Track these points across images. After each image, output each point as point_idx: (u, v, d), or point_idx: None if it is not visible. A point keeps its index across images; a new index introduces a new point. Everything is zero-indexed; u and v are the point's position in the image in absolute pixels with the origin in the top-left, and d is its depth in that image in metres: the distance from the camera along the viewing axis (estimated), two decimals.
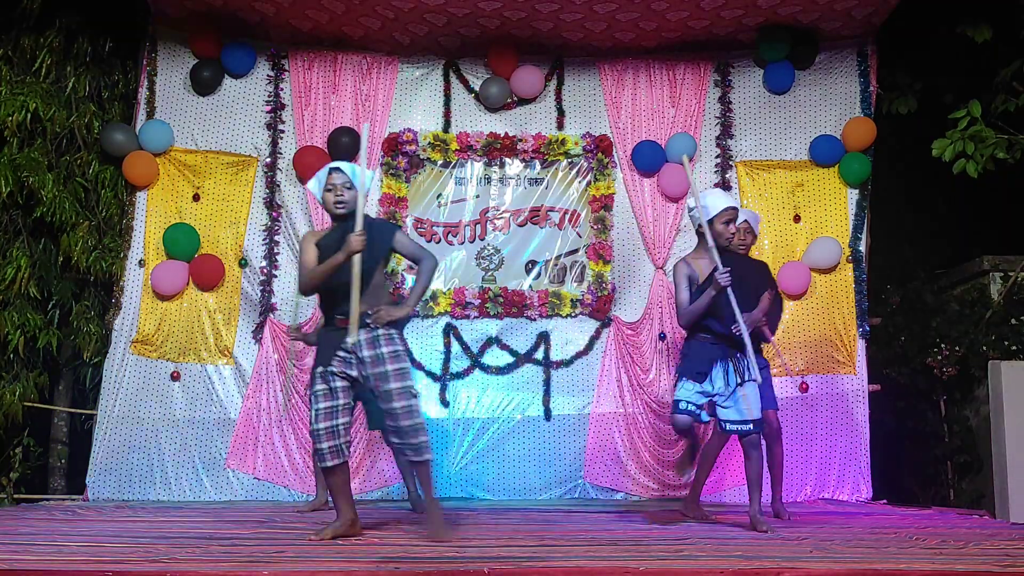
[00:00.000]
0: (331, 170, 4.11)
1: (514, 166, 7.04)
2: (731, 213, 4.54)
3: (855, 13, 6.64)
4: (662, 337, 6.67)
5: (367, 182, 4.08)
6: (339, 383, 4.02)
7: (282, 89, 6.90)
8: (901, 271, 7.79)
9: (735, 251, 4.74)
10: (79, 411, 6.62)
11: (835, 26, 6.80)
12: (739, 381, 4.51)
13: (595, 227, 6.90)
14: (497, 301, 6.77)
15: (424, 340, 6.76)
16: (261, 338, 6.55)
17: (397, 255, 4.46)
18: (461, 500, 6.42)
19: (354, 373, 4.02)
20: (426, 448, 4.02)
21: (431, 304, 6.75)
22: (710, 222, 4.50)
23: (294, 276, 6.26)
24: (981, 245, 7.47)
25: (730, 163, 6.94)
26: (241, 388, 6.52)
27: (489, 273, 6.89)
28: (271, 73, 6.91)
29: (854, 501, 6.46)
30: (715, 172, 6.94)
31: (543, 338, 6.79)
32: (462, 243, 6.93)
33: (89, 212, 6.54)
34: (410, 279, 6.82)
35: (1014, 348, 6.87)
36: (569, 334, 6.81)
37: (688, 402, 4.56)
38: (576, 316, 6.82)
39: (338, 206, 4.07)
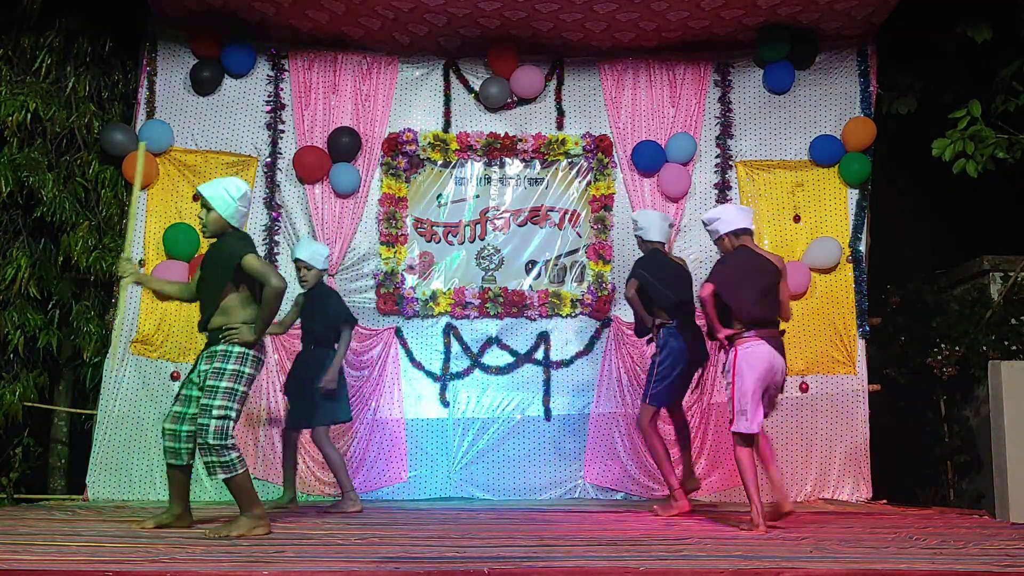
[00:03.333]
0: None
1: (514, 166, 7.04)
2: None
3: (855, 13, 6.65)
4: None
5: (229, 198, 4.20)
6: (194, 392, 4.22)
7: (282, 89, 6.91)
8: (901, 271, 7.79)
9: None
10: (79, 411, 6.62)
11: (835, 26, 6.80)
12: None
13: (595, 227, 6.90)
14: (497, 301, 6.77)
15: (424, 340, 6.76)
16: None
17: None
18: (461, 500, 6.42)
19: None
20: (213, 468, 4.06)
21: (431, 304, 6.75)
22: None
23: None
24: (981, 245, 7.46)
25: (730, 163, 6.94)
26: None
27: (489, 273, 6.90)
28: (271, 73, 6.91)
29: (854, 501, 6.46)
30: (715, 172, 6.94)
31: (543, 338, 6.79)
32: (462, 243, 6.94)
33: (89, 212, 6.54)
34: (410, 279, 6.83)
35: (1014, 348, 6.86)
36: (569, 334, 6.81)
37: None
38: (576, 316, 6.83)
39: (203, 230, 4.31)
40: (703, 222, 5.01)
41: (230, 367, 4.09)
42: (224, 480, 4.09)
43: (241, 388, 4.09)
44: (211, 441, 4.00)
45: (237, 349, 4.11)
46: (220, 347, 4.12)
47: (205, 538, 3.92)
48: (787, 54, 6.88)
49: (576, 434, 6.67)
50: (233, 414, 4.06)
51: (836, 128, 6.89)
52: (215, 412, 4.02)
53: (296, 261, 5.66)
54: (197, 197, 4.26)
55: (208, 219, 4.22)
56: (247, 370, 4.12)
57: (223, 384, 4.06)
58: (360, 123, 6.90)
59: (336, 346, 5.63)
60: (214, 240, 4.28)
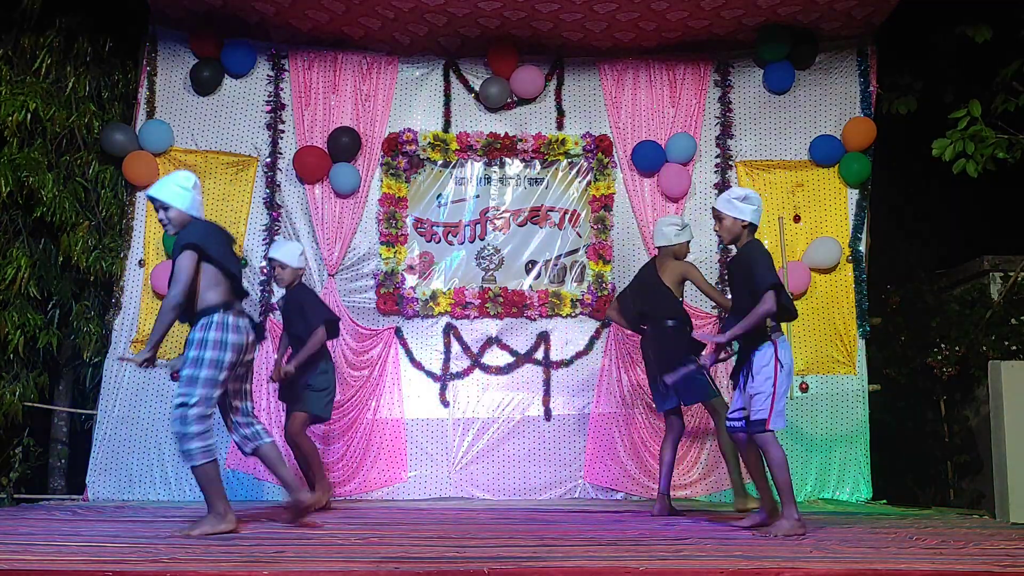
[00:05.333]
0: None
1: (514, 166, 7.04)
2: None
3: (855, 13, 6.65)
4: None
5: (182, 190, 4.23)
6: None
7: (282, 89, 6.91)
8: (901, 271, 7.79)
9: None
10: (79, 411, 6.62)
11: (835, 26, 6.80)
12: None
13: (595, 227, 6.91)
14: (497, 301, 6.77)
15: (424, 340, 6.77)
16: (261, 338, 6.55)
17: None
18: (461, 500, 6.42)
19: None
20: (187, 456, 4.07)
21: (431, 304, 6.75)
22: None
23: None
24: (981, 245, 7.46)
25: (730, 163, 6.94)
26: None
27: (489, 273, 6.90)
28: (271, 73, 6.91)
29: (854, 501, 6.46)
30: (715, 172, 6.94)
31: (543, 338, 6.80)
32: (462, 243, 6.94)
33: (89, 212, 6.55)
34: (410, 279, 6.82)
35: (1014, 348, 6.86)
36: (569, 334, 6.81)
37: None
38: (576, 316, 6.83)
39: (167, 230, 4.29)
40: (736, 197, 4.44)
41: (191, 354, 4.10)
42: (191, 468, 4.12)
43: (203, 373, 4.06)
44: (175, 428, 4.08)
45: (197, 335, 4.11)
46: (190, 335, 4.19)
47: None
48: (787, 54, 6.88)
49: (576, 434, 6.67)
50: (192, 400, 4.03)
51: (836, 128, 6.89)
52: (175, 400, 4.07)
53: (270, 260, 5.57)
54: (150, 199, 4.27)
55: (170, 217, 4.22)
56: (208, 354, 4.07)
57: (186, 372, 4.08)
58: (360, 123, 6.90)
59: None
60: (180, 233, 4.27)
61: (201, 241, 4.12)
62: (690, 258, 6.76)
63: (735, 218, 4.45)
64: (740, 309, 4.39)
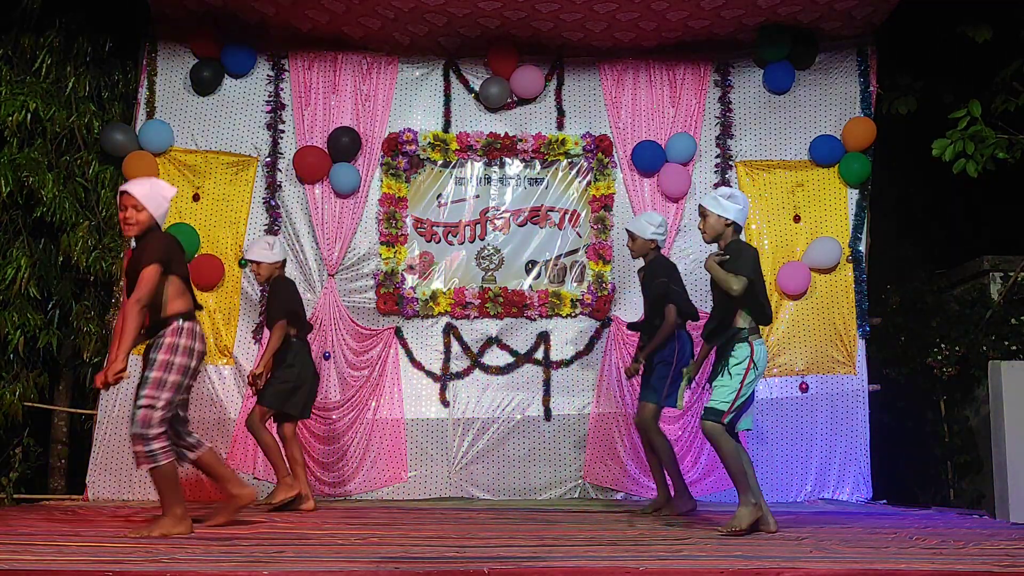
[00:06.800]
0: (120, 193, 4.29)
1: (514, 166, 7.04)
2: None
3: (855, 13, 6.65)
4: None
5: (161, 198, 4.27)
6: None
7: (282, 89, 6.91)
8: (901, 271, 7.79)
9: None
10: (79, 411, 6.62)
11: (835, 26, 6.81)
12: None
13: (595, 227, 6.91)
14: (497, 301, 6.77)
15: (424, 340, 6.77)
16: (261, 338, 6.55)
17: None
18: (461, 500, 6.43)
19: None
20: (149, 457, 4.07)
21: (431, 304, 6.75)
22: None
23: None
24: (981, 245, 7.46)
25: (730, 163, 6.94)
26: (241, 388, 6.52)
27: (489, 273, 6.90)
28: (271, 73, 6.91)
29: (854, 501, 6.47)
30: (715, 172, 6.95)
31: (543, 338, 6.80)
32: (462, 243, 6.94)
33: (89, 212, 6.55)
34: (410, 279, 6.82)
35: (1014, 348, 6.85)
36: (569, 334, 6.82)
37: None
38: (576, 316, 6.83)
39: (128, 229, 4.27)
40: (722, 195, 4.51)
41: (161, 356, 4.10)
42: (148, 471, 4.12)
43: (171, 378, 4.09)
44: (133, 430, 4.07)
45: (167, 340, 4.12)
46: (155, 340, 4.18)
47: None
48: (787, 54, 6.88)
49: (576, 434, 6.67)
50: (159, 403, 4.06)
51: (836, 128, 6.89)
52: (140, 402, 4.07)
53: (250, 263, 5.66)
54: (124, 195, 4.23)
55: (139, 218, 4.22)
56: (178, 360, 4.11)
57: (153, 374, 4.08)
58: (360, 123, 6.91)
59: (295, 337, 5.49)
60: (140, 237, 4.27)
61: (168, 257, 4.18)
62: (691, 259, 6.80)
63: (719, 215, 4.51)
64: (718, 307, 4.42)
